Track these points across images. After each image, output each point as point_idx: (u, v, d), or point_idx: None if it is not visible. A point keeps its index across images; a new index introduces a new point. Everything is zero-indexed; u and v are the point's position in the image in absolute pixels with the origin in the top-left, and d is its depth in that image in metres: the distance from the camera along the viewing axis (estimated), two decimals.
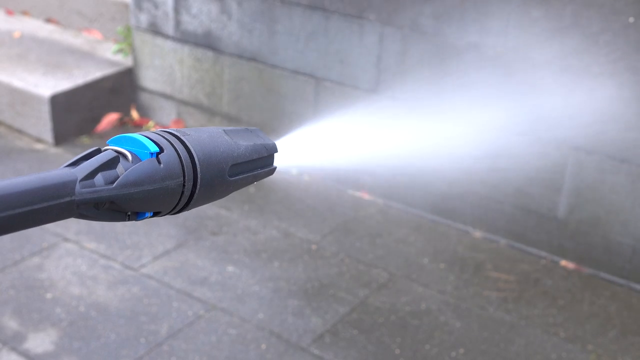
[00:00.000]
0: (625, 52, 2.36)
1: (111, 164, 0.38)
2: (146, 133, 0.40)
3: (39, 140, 3.33)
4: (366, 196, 3.05)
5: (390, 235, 2.80)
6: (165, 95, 3.46)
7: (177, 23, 3.28)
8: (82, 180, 0.37)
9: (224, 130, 0.45)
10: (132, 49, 3.51)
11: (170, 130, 0.42)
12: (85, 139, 3.37)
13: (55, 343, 2.17)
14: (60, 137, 3.32)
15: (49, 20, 4.06)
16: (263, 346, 2.21)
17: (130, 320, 2.28)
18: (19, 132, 3.39)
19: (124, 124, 3.52)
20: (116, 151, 0.38)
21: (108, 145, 0.39)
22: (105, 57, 3.62)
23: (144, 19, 3.39)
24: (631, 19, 2.33)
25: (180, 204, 0.42)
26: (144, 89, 3.53)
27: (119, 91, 3.51)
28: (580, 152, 2.54)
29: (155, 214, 0.41)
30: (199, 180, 0.41)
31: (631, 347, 2.30)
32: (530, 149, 2.63)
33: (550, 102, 2.54)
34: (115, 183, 0.38)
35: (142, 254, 2.59)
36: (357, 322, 2.32)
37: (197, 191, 0.41)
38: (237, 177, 0.45)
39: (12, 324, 2.24)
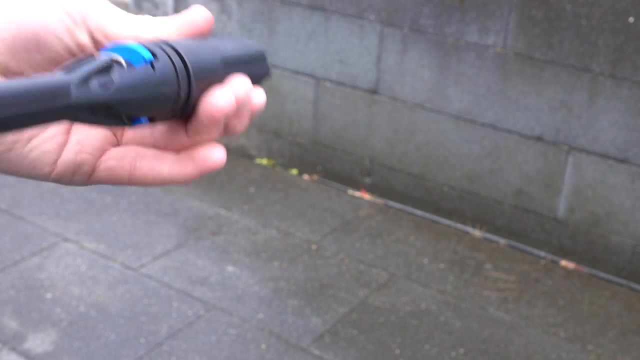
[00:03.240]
0: (625, 52, 2.37)
1: (106, 69, 0.39)
2: (141, 42, 0.42)
3: None
4: (366, 196, 3.06)
5: (390, 235, 2.80)
6: None
7: None
8: (77, 84, 0.38)
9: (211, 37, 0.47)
10: None
11: (166, 40, 0.43)
12: None
13: (55, 343, 2.17)
14: None
15: None
16: (263, 346, 2.21)
17: (130, 320, 2.28)
18: None
19: None
20: (110, 58, 0.40)
21: (101, 52, 0.40)
22: None
23: None
24: (631, 19, 2.33)
25: (177, 110, 0.43)
26: None
27: None
28: (580, 152, 2.54)
29: (151, 120, 0.42)
30: (193, 84, 0.42)
31: (631, 347, 2.30)
32: (530, 149, 2.63)
33: (550, 102, 2.55)
34: (111, 88, 0.39)
35: (142, 254, 2.59)
36: (357, 322, 2.32)
37: (192, 95, 0.43)
38: (231, 71, 0.47)
39: (12, 324, 2.24)
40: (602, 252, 2.61)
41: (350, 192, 3.09)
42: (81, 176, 0.46)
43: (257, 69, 0.49)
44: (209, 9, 3.16)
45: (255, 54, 0.49)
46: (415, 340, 2.26)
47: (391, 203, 3.00)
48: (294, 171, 3.24)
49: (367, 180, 3.05)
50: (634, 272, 2.57)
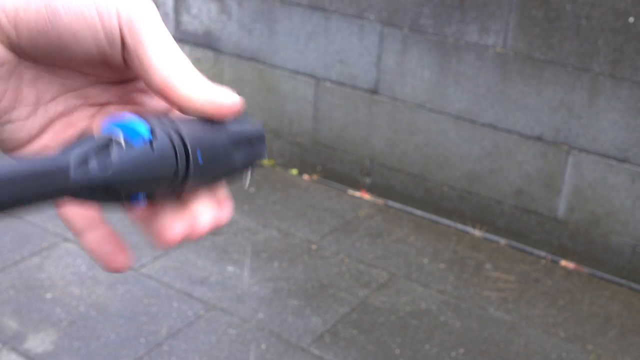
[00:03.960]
0: (625, 52, 2.37)
1: (105, 149, 0.39)
2: (139, 113, 0.41)
3: None
4: (366, 196, 3.06)
5: (390, 235, 2.80)
6: None
7: (177, 23, 3.28)
8: (76, 166, 0.38)
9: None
10: None
11: (166, 114, 0.43)
12: None
13: (55, 343, 2.17)
14: None
15: None
16: (263, 346, 2.21)
17: (130, 320, 2.28)
18: None
19: None
20: (109, 137, 0.40)
21: (101, 129, 0.40)
22: None
23: None
24: (631, 19, 2.33)
25: (175, 189, 0.43)
26: None
27: None
28: (580, 152, 2.54)
29: (149, 198, 0.43)
30: (191, 165, 0.42)
31: (631, 347, 2.30)
32: (530, 149, 2.63)
33: (550, 102, 2.55)
34: (109, 170, 0.39)
35: (142, 254, 2.59)
36: (357, 322, 2.32)
37: (190, 176, 0.43)
38: (230, 160, 0.46)
39: (12, 324, 2.24)
40: (602, 252, 2.61)
41: (350, 192, 3.09)
42: None
43: (255, 150, 0.48)
44: (209, 9, 3.16)
45: (257, 135, 0.48)
46: (415, 340, 2.26)
47: (391, 203, 3.00)
48: (294, 171, 3.24)
49: (367, 180, 3.05)
50: (634, 272, 2.57)
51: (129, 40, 0.41)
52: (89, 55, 0.41)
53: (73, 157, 0.37)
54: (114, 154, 0.39)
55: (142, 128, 0.40)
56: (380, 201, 3.02)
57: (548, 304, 2.47)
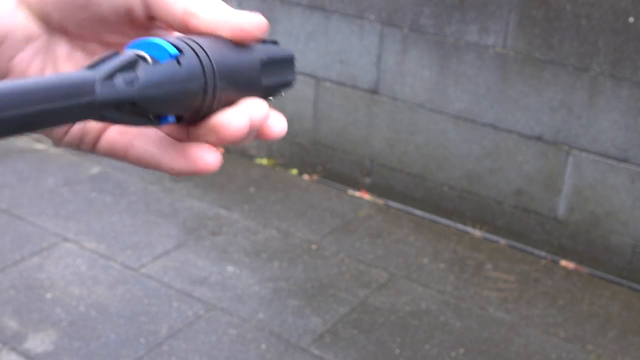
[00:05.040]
0: (625, 52, 2.37)
1: (131, 65, 0.38)
2: (166, 37, 0.41)
3: (39, 140, 3.33)
4: (366, 196, 3.06)
5: (390, 235, 2.80)
6: None
7: None
8: (102, 80, 0.37)
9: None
10: None
11: (189, 36, 0.42)
12: None
13: (55, 343, 2.17)
14: None
15: None
16: (263, 346, 2.21)
17: (130, 320, 2.28)
18: None
19: None
20: (135, 54, 0.39)
21: (126, 48, 0.40)
22: None
23: None
24: (631, 19, 2.33)
25: (205, 107, 0.42)
26: None
27: None
28: (580, 152, 2.54)
29: (178, 119, 0.41)
30: (217, 82, 0.41)
31: (631, 347, 2.30)
32: (530, 149, 2.63)
33: (550, 102, 2.55)
34: (136, 84, 0.38)
35: (142, 254, 2.59)
36: (357, 322, 2.32)
37: (217, 92, 0.42)
38: (259, 78, 0.46)
39: (12, 324, 2.24)
40: (602, 252, 2.61)
41: (350, 192, 3.09)
42: (86, 145, 0.46)
43: (285, 74, 0.48)
44: None
45: (287, 58, 0.48)
46: (415, 340, 2.26)
47: (391, 203, 3.00)
48: (294, 171, 3.24)
49: (367, 180, 3.05)
50: (634, 272, 2.57)
51: None
52: (115, 8, 0.42)
53: (98, 72, 0.37)
54: (140, 69, 0.38)
55: (168, 45, 0.39)
56: (380, 201, 3.02)
57: (548, 304, 2.47)
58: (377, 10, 2.79)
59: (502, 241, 2.79)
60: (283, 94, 0.49)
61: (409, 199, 2.96)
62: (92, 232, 2.70)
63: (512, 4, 2.51)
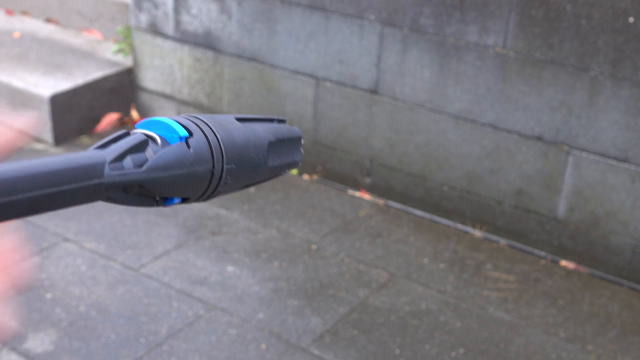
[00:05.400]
0: (625, 52, 2.36)
1: (140, 147, 0.38)
2: (174, 117, 0.40)
3: (39, 140, 3.33)
4: (366, 196, 3.06)
5: (390, 235, 2.80)
6: (165, 96, 3.46)
7: (177, 23, 3.29)
8: (111, 162, 0.37)
9: (236, 118, 0.45)
10: (132, 49, 3.51)
11: (197, 115, 0.42)
12: (85, 139, 3.37)
13: (55, 343, 2.17)
14: (60, 137, 3.32)
15: (49, 20, 4.06)
16: (263, 346, 2.21)
17: (130, 320, 2.28)
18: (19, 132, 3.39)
19: (124, 124, 3.53)
20: (145, 134, 0.38)
21: (136, 128, 0.39)
22: (105, 57, 3.62)
23: (143, 19, 3.39)
24: (631, 19, 2.33)
25: (209, 190, 0.42)
26: (144, 89, 3.53)
27: (119, 91, 3.51)
28: (580, 152, 2.54)
29: (184, 200, 0.41)
30: (225, 165, 0.41)
31: (631, 347, 2.30)
32: (530, 149, 2.63)
33: (550, 102, 2.55)
34: (145, 166, 0.38)
35: (142, 254, 2.59)
36: (357, 322, 2.32)
37: (224, 176, 0.41)
38: (265, 160, 0.45)
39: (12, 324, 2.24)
40: (602, 252, 2.61)
41: (350, 192, 3.09)
42: None
43: (292, 155, 0.47)
44: (209, 9, 3.16)
45: (294, 138, 0.47)
46: (415, 340, 2.26)
47: (391, 203, 3.00)
48: (294, 171, 3.24)
49: (367, 180, 3.05)
50: (634, 272, 2.57)
51: None
52: None
53: (109, 154, 0.36)
54: (149, 150, 0.38)
55: (178, 126, 0.39)
56: (380, 201, 3.02)
57: (548, 304, 2.47)
58: (377, 10, 2.79)
59: (502, 241, 2.79)
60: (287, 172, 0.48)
61: (409, 199, 2.96)
62: (92, 232, 2.70)
63: (512, 4, 2.51)
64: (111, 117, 3.47)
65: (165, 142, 0.39)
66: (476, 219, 2.83)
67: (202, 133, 0.40)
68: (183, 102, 3.42)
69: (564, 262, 2.68)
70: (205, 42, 3.24)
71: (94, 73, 3.44)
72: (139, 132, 0.39)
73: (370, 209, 2.97)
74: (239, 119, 0.44)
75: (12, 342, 2.17)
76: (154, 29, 3.37)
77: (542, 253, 2.72)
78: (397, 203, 2.99)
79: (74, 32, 3.93)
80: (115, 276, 2.48)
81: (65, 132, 3.34)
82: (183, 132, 0.39)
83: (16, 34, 3.85)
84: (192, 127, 0.40)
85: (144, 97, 3.53)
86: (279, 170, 0.47)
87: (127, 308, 2.33)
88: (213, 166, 0.40)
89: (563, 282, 2.59)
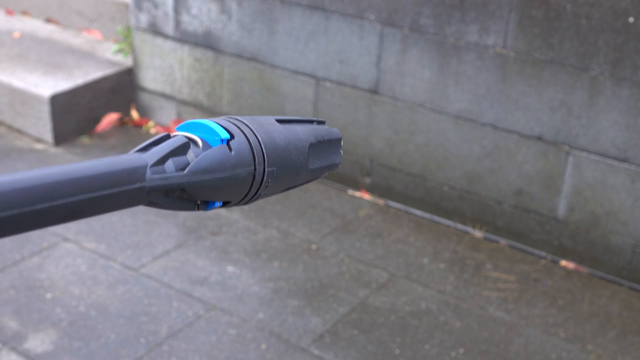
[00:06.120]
0: (625, 52, 2.36)
1: (182, 150, 0.37)
2: (215, 119, 0.40)
3: (39, 140, 3.33)
4: (366, 196, 3.06)
5: (390, 235, 2.80)
6: (165, 95, 3.46)
7: (177, 23, 3.29)
8: (152, 165, 0.36)
9: (277, 119, 0.44)
10: (132, 49, 3.51)
11: (238, 117, 0.41)
12: (85, 139, 3.38)
13: (55, 343, 2.17)
14: (61, 137, 3.32)
15: (49, 20, 4.06)
16: (263, 346, 2.21)
17: (130, 320, 2.28)
18: (19, 132, 3.40)
19: (124, 124, 3.53)
20: (186, 137, 0.38)
21: (177, 131, 0.39)
22: (105, 57, 3.62)
23: (144, 19, 3.39)
24: (631, 19, 2.33)
25: (251, 193, 0.41)
26: (144, 89, 3.53)
27: (119, 91, 3.51)
28: (580, 152, 2.54)
29: (225, 204, 0.40)
30: (266, 168, 0.40)
31: (631, 347, 2.30)
32: (530, 149, 2.63)
33: (550, 102, 2.55)
34: (187, 170, 0.37)
35: (142, 254, 2.59)
36: (357, 322, 2.32)
37: (265, 179, 0.40)
38: (306, 162, 0.44)
39: (12, 324, 2.24)
40: (602, 252, 2.61)
41: (350, 192, 3.09)
42: None
43: (332, 157, 0.46)
44: (209, 9, 3.16)
45: (334, 140, 0.46)
46: (415, 340, 2.26)
47: (391, 203, 3.00)
48: None
49: (367, 180, 3.05)
50: (634, 272, 2.57)
51: None
52: None
53: (150, 157, 0.35)
54: (191, 153, 0.37)
55: (219, 128, 0.38)
56: (380, 201, 3.02)
57: (548, 304, 2.47)
58: (377, 10, 2.79)
59: (502, 241, 2.79)
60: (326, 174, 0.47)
61: (409, 199, 2.96)
62: (92, 232, 2.70)
63: (512, 4, 2.51)
64: (111, 117, 3.47)
65: (207, 144, 0.38)
66: (476, 219, 2.83)
67: (243, 135, 0.39)
68: (183, 102, 3.42)
69: (564, 262, 2.68)
70: (205, 42, 3.24)
71: (94, 73, 3.44)
72: (180, 135, 0.38)
73: (370, 209, 2.97)
74: (280, 121, 0.43)
75: (12, 342, 2.18)
76: (154, 29, 3.37)
77: (542, 253, 2.72)
78: (397, 203, 2.99)
79: (74, 32, 3.93)
80: (115, 276, 2.48)
81: (65, 132, 3.34)
82: (224, 135, 0.38)
83: (16, 34, 3.86)
84: (233, 129, 0.39)
85: (144, 97, 3.53)
86: (319, 173, 0.46)
87: (127, 308, 2.33)
88: (255, 169, 0.39)
89: (563, 282, 2.59)
